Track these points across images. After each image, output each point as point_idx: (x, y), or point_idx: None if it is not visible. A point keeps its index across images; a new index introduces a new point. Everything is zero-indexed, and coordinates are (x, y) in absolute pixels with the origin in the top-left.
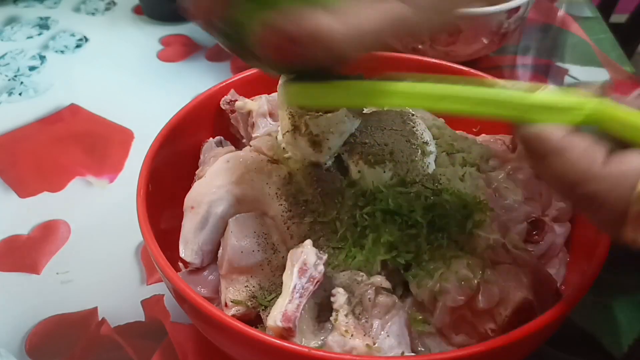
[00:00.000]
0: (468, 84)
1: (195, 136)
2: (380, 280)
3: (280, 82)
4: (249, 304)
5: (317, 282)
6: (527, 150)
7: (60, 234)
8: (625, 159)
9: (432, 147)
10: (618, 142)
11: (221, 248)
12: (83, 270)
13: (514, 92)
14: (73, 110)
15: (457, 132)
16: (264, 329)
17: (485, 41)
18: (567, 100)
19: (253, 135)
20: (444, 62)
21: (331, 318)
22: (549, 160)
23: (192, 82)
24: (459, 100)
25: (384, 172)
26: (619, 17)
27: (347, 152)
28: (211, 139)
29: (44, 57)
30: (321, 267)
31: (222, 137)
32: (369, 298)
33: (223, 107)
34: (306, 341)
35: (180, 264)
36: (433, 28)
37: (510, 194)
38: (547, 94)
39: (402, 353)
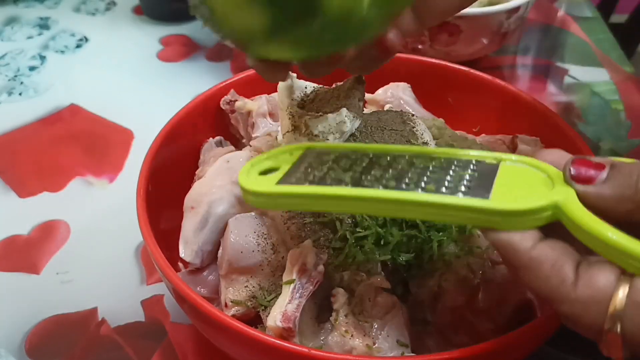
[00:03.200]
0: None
1: (195, 136)
2: (380, 280)
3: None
4: (248, 304)
5: (317, 282)
6: (501, 258)
7: (60, 234)
8: (594, 280)
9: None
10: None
11: (221, 248)
12: (83, 270)
13: (475, 200)
14: (73, 110)
15: (457, 132)
16: (263, 329)
17: (485, 41)
18: (528, 206)
19: (253, 135)
20: (444, 62)
21: (331, 318)
22: (520, 274)
23: (192, 82)
24: (420, 209)
25: None
26: (619, 17)
27: None
28: (211, 139)
29: (44, 57)
30: (321, 267)
31: (222, 137)
32: (369, 298)
33: (223, 107)
34: (306, 341)
35: (180, 264)
36: None
37: None
38: (509, 190)
39: (402, 353)
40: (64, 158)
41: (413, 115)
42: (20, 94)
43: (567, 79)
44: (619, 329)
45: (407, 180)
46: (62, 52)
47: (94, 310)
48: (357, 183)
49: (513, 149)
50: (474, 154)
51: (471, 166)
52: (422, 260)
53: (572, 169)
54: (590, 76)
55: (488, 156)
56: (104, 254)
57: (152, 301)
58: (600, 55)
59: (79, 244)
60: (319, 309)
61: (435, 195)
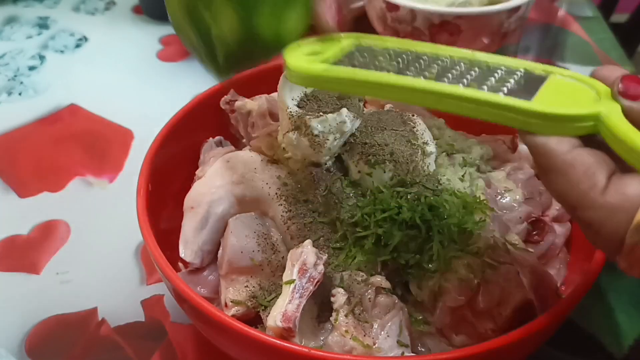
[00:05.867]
0: (480, 64)
1: (195, 136)
2: (380, 280)
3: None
4: (248, 304)
5: (317, 282)
6: (534, 161)
7: (60, 234)
8: (624, 187)
9: (432, 148)
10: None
11: (221, 248)
12: (83, 270)
13: (515, 100)
14: (72, 110)
15: (457, 132)
16: (263, 329)
17: (485, 41)
18: (569, 111)
19: (253, 135)
20: None
21: (331, 318)
22: (550, 177)
23: (192, 82)
24: (459, 103)
25: (384, 172)
26: (619, 17)
27: (348, 152)
28: (211, 139)
29: (44, 57)
30: (321, 267)
31: (222, 137)
32: (369, 298)
33: (223, 107)
34: (306, 341)
35: (180, 264)
36: None
37: (510, 194)
38: (552, 98)
39: (402, 353)
40: (64, 158)
41: (413, 115)
42: (20, 93)
43: None
44: None
45: (450, 76)
46: (62, 51)
47: (93, 311)
48: (400, 72)
49: (513, 149)
50: (523, 64)
51: (518, 73)
52: (422, 261)
53: (620, 84)
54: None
55: (538, 67)
56: (104, 254)
57: (152, 301)
58: (601, 55)
59: (79, 244)
60: (319, 309)
61: (475, 91)
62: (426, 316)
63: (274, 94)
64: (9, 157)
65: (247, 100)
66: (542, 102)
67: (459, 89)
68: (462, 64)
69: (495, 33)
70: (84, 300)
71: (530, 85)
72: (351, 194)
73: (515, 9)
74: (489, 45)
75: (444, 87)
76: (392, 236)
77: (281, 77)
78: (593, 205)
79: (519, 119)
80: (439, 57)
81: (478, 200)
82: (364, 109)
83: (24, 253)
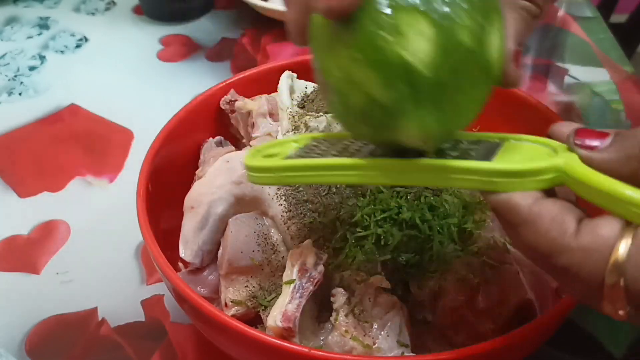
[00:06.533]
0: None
1: (195, 136)
2: (380, 280)
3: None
4: (248, 304)
5: (317, 282)
6: (499, 219)
7: (60, 234)
8: (597, 229)
9: None
10: (590, 205)
11: (221, 248)
12: (83, 270)
13: (475, 162)
14: (73, 110)
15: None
16: (264, 329)
17: None
18: (530, 166)
19: (253, 135)
20: None
21: (331, 318)
22: (519, 231)
23: (192, 82)
24: (422, 175)
25: None
26: (619, 17)
27: None
28: (211, 139)
29: (44, 57)
30: (321, 267)
31: (222, 137)
32: (369, 298)
33: (223, 107)
34: (306, 341)
35: (180, 264)
36: None
37: None
38: (510, 158)
39: (402, 353)
40: (64, 158)
41: None
42: (20, 94)
43: (567, 79)
44: (621, 282)
45: (409, 155)
46: (62, 52)
47: (94, 310)
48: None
49: None
50: (477, 135)
51: (474, 145)
52: (422, 260)
53: (575, 138)
54: (591, 76)
55: (492, 136)
56: (104, 254)
57: (152, 301)
58: (601, 55)
59: (79, 244)
60: (319, 309)
61: (437, 160)
62: (426, 316)
63: (274, 94)
64: (9, 157)
65: (247, 100)
66: (503, 161)
67: (422, 160)
68: None
69: None
70: (84, 300)
71: (487, 151)
72: (351, 194)
73: None
74: None
75: (405, 161)
76: (392, 236)
77: (281, 77)
78: (567, 250)
79: (483, 180)
80: None
81: (478, 200)
82: None
83: (24, 253)
